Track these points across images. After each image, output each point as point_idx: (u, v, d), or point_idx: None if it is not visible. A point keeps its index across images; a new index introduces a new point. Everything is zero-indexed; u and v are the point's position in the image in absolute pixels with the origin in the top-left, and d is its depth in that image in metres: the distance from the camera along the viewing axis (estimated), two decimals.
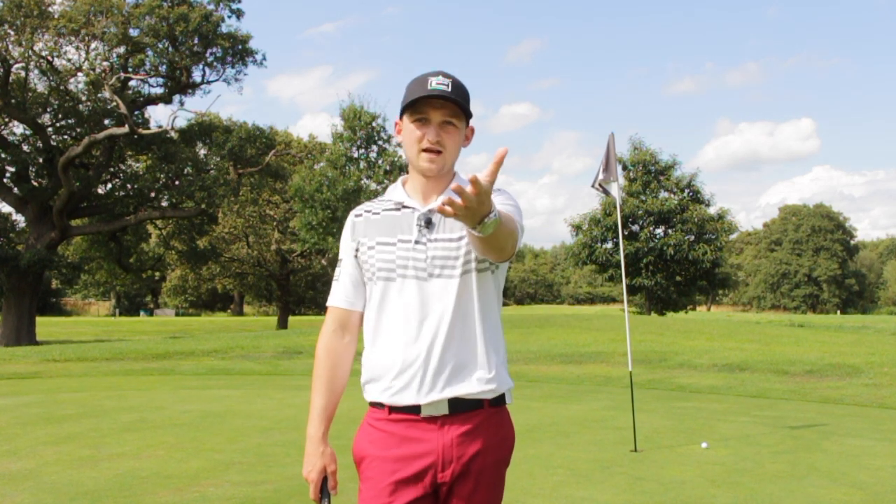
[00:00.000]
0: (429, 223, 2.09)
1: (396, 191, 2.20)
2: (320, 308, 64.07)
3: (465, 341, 2.06)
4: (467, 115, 2.10)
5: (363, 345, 2.21)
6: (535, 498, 5.20)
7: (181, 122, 33.43)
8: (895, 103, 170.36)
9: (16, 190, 31.27)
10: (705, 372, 13.56)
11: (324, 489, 2.15)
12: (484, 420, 2.07)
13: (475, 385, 2.05)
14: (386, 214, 2.16)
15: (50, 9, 28.69)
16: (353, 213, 2.26)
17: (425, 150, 2.07)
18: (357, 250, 2.17)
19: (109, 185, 34.66)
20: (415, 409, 2.04)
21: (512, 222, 1.93)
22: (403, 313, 2.06)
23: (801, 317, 65.89)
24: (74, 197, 30.09)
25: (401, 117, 2.14)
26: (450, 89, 2.04)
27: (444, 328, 2.04)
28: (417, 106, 2.05)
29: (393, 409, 2.06)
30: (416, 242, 2.08)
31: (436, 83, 2.04)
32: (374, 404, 2.13)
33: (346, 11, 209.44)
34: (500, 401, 2.11)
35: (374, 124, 30.31)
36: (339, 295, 2.22)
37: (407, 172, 2.22)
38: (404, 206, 2.14)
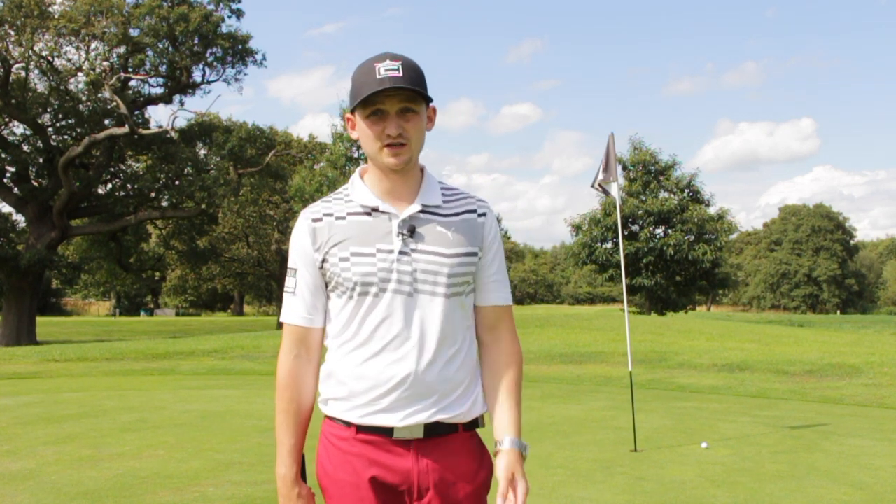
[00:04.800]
0: (412, 231, 1.89)
1: (359, 190, 1.95)
2: None
3: (449, 364, 1.91)
4: (426, 96, 1.89)
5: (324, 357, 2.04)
6: (535, 498, 5.20)
7: (181, 122, 33.43)
8: (895, 103, 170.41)
9: (16, 190, 31.28)
10: (705, 372, 13.56)
11: None
12: (459, 445, 1.95)
13: (456, 410, 1.92)
14: (354, 220, 1.92)
15: (50, 9, 28.70)
16: (307, 215, 1.96)
17: (388, 146, 1.86)
18: (324, 261, 1.91)
19: (109, 185, 34.66)
20: (387, 431, 1.88)
21: (520, 380, 2.05)
22: (383, 330, 1.88)
23: (801, 317, 65.92)
24: (74, 197, 30.10)
25: (352, 112, 1.90)
26: (401, 73, 1.82)
27: (428, 349, 1.88)
28: (369, 98, 1.83)
29: (361, 429, 1.90)
30: (401, 253, 1.88)
31: (384, 70, 1.81)
32: (336, 420, 1.94)
33: (348, 12, 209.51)
34: (473, 425, 1.99)
35: None
36: (299, 310, 1.96)
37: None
38: (377, 210, 1.91)
